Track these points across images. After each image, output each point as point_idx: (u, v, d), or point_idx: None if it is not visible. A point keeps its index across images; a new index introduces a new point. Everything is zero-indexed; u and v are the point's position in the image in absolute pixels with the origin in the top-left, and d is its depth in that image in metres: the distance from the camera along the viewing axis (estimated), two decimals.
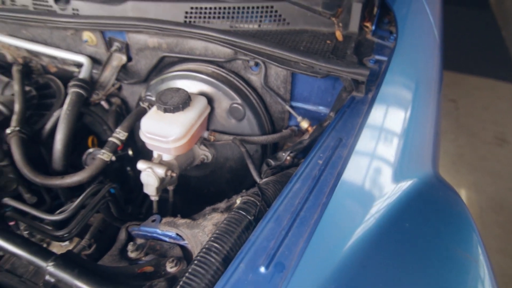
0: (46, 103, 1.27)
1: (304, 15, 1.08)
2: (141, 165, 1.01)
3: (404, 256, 0.64)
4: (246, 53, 1.00)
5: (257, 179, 0.90)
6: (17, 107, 1.14)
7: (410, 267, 0.62)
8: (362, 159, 0.76)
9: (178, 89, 1.03)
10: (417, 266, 0.63)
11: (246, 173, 1.12)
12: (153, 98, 1.19)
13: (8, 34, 1.31)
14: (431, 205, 0.78)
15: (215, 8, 1.09)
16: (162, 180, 1.01)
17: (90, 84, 1.20)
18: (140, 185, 1.04)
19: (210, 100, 1.11)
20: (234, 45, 1.00)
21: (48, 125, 1.16)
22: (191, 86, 1.12)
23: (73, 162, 1.17)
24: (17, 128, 1.06)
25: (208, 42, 1.05)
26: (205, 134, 1.13)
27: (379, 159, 0.80)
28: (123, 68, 1.27)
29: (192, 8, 1.10)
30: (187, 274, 0.61)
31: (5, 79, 1.33)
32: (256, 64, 1.09)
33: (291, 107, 1.13)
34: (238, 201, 0.78)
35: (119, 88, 1.37)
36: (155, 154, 1.07)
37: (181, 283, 0.60)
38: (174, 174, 1.03)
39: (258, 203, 0.74)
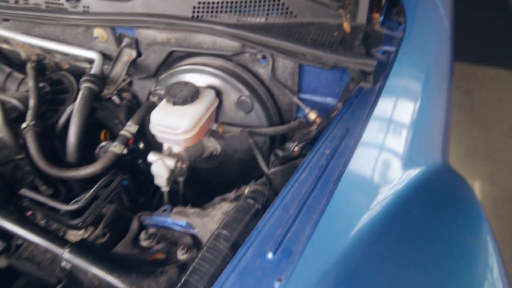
0: (59, 98, 1.31)
1: (311, 7, 1.08)
2: (151, 157, 1.04)
3: (410, 243, 0.64)
4: (253, 46, 1.01)
5: (265, 169, 0.92)
6: (32, 102, 1.17)
7: (416, 254, 0.63)
8: (369, 149, 0.77)
9: (187, 83, 1.05)
10: (423, 253, 0.63)
11: (254, 164, 1.13)
12: (163, 92, 1.21)
13: (22, 32, 1.35)
14: (439, 193, 0.78)
15: (222, 2, 1.10)
16: (172, 172, 1.03)
17: (101, 79, 1.23)
18: (151, 177, 1.06)
19: (218, 93, 1.13)
20: (241, 38, 1.01)
21: (62, 120, 1.19)
22: (200, 79, 1.14)
23: (87, 156, 1.21)
24: (32, 123, 1.10)
25: (215, 36, 1.06)
26: (214, 126, 1.15)
27: (386, 149, 0.80)
28: (133, 63, 1.29)
29: (199, 3, 1.11)
30: (197, 260, 0.63)
31: (20, 76, 1.37)
32: (264, 57, 1.10)
33: (299, 99, 1.14)
34: (246, 191, 0.79)
35: (130, 83, 1.39)
36: (165, 146, 1.09)
37: (191, 268, 0.62)
38: (183, 166, 1.05)
39: (266, 192, 0.76)
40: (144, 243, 0.88)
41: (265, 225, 0.63)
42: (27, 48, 1.42)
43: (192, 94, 1.01)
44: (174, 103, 1.01)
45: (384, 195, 0.69)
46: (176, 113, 1.01)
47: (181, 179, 1.15)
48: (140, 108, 1.14)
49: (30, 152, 1.06)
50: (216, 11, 1.11)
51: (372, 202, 0.67)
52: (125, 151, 1.08)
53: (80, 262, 0.69)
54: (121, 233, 0.97)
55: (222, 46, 1.12)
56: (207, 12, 1.11)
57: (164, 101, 1.04)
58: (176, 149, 1.08)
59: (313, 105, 1.13)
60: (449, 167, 0.88)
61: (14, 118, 1.16)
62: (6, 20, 1.34)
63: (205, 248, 0.65)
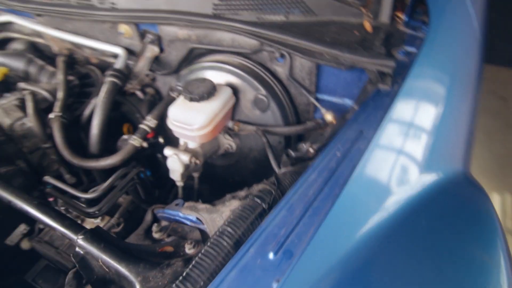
0: (86, 91, 1.37)
1: (332, 6, 1.06)
2: (167, 151, 1.06)
3: (415, 254, 0.62)
4: (271, 44, 1.01)
5: (276, 169, 0.92)
6: (60, 94, 1.23)
7: (419, 266, 0.60)
8: (382, 153, 0.75)
9: (204, 79, 1.06)
10: (428, 266, 0.60)
11: (269, 164, 1.13)
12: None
13: (54, 27, 1.42)
14: (454, 204, 0.75)
15: (242, 0, 1.10)
16: (186, 167, 1.06)
17: (125, 74, 1.27)
18: None
19: (235, 91, 1.13)
20: (259, 36, 1.01)
21: (87, 112, 1.24)
22: (218, 76, 1.15)
23: (110, 148, 1.26)
24: (59, 114, 1.16)
25: (235, 33, 1.07)
26: (230, 123, 1.16)
27: (400, 154, 0.78)
28: (156, 60, 1.33)
29: (220, 0, 1.12)
30: (200, 255, 0.64)
31: (52, 69, 1.44)
32: (282, 56, 1.09)
33: (316, 99, 1.13)
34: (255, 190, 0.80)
35: (154, 79, 1.43)
36: (181, 142, 1.12)
37: (194, 262, 0.63)
38: (198, 161, 1.07)
39: (273, 192, 0.76)
40: (156, 235, 0.91)
41: (269, 225, 0.63)
42: (59, 43, 1.49)
43: (209, 91, 1.03)
44: (191, 99, 1.03)
45: (393, 201, 0.67)
46: (192, 109, 1.03)
47: (196, 175, 1.17)
48: (159, 103, 1.17)
49: (56, 142, 1.12)
50: (236, 9, 1.11)
51: (379, 208, 0.66)
52: (145, 144, 1.11)
53: (92, 249, 0.72)
54: (135, 224, 1.00)
55: (241, 43, 1.13)
56: (227, 9, 1.12)
57: (181, 97, 1.06)
58: (192, 144, 1.11)
59: (331, 106, 1.12)
60: (469, 177, 0.84)
61: (44, 109, 1.23)
62: (40, 15, 1.41)
63: (208, 243, 0.66)
